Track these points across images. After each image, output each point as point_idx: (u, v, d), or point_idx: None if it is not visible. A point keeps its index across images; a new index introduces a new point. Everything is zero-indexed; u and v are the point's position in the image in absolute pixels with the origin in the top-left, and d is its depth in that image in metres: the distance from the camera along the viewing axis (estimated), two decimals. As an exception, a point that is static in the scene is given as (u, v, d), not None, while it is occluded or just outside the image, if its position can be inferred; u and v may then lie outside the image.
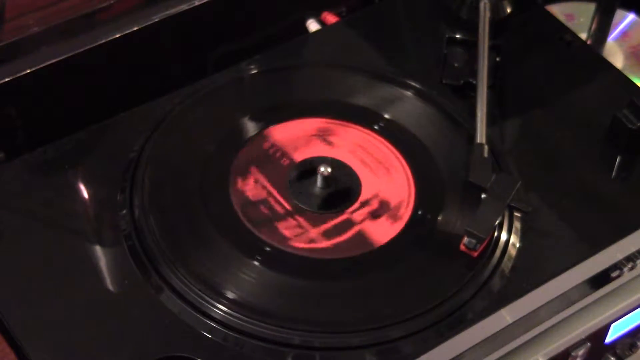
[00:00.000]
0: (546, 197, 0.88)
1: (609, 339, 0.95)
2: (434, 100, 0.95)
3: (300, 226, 0.85)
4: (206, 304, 0.79)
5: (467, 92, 0.95)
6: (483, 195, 0.84)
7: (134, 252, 0.83)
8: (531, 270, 0.83)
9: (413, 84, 0.96)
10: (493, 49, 0.97)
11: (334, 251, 0.84)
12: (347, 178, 0.89)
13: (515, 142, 0.93)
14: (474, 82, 0.94)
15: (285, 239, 0.84)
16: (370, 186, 0.88)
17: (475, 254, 0.82)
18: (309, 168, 0.89)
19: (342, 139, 0.92)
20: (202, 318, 0.79)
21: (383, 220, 0.86)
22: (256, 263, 0.82)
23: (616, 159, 0.92)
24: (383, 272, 0.83)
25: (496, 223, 0.83)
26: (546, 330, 0.88)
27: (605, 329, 0.93)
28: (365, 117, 0.93)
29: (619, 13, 1.18)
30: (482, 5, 0.99)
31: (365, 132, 0.92)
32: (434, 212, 0.87)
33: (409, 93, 0.95)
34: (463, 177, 0.87)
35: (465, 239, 0.82)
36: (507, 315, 0.82)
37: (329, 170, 0.86)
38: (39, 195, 0.87)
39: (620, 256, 0.88)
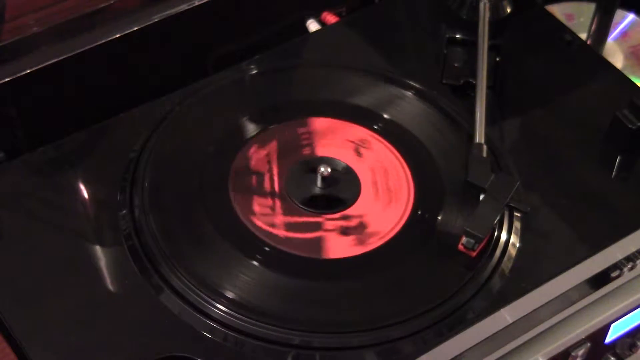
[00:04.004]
0: (546, 197, 0.88)
1: (609, 339, 0.95)
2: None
3: (271, 208, 0.85)
4: (206, 304, 0.79)
5: (467, 92, 0.95)
6: (482, 195, 0.84)
7: (134, 252, 0.83)
8: (531, 270, 0.83)
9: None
10: (493, 49, 0.97)
11: (283, 243, 0.83)
12: (348, 190, 0.88)
13: (515, 142, 0.93)
14: (474, 82, 0.94)
15: (250, 212, 0.84)
16: (363, 206, 0.87)
17: (474, 254, 0.82)
18: (318, 165, 0.88)
19: (373, 154, 0.91)
20: (202, 318, 0.79)
21: (348, 239, 0.85)
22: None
23: (616, 159, 0.92)
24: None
25: (494, 223, 0.83)
26: (546, 330, 0.88)
27: (605, 329, 0.93)
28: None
29: (619, 13, 1.18)
30: (482, 5, 0.99)
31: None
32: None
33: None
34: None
35: (464, 239, 0.82)
36: (507, 315, 0.82)
37: (329, 170, 0.86)
38: (39, 195, 0.87)
39: (620, 256, 0.88)
